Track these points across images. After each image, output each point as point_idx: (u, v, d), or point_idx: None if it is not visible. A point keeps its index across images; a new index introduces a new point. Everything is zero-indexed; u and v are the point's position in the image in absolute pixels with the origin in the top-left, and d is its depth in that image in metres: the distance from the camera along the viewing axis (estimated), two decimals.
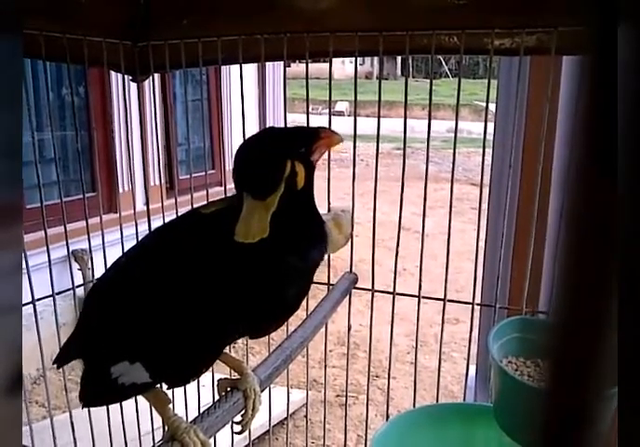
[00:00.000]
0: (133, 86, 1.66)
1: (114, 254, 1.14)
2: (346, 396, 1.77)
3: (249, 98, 4.95)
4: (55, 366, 1.09)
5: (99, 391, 0.98)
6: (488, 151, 1.49)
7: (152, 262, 0.97)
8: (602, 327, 0.25)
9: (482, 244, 1.46)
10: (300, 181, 0.92)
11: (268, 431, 1.99)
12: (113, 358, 0.92)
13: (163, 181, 3.88)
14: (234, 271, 0.89)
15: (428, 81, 1.46)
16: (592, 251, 0.24)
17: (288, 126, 1.05)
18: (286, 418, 2.36)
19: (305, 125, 1.49)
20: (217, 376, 1.26)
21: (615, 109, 0.23)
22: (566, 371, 0.26)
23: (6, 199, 0.60)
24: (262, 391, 1.10)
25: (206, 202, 1.14)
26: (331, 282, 1.58)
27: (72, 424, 1.52)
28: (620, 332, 0.26)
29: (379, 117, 1.46)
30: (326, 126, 1.48)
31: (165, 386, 0.99)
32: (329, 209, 1.43)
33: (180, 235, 0.99)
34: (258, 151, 0.95)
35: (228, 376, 1.14)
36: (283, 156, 0.92)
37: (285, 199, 0.91)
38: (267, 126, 4.71)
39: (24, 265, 1.35)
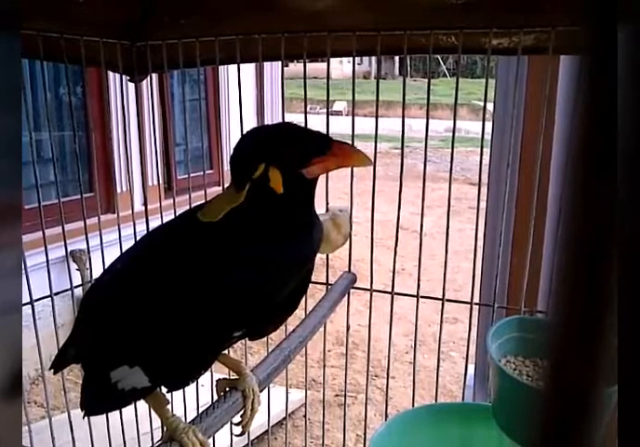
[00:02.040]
0: (131, 86, 1.66)
1: (113, 254, 1.14)
2: (345, 395, 1.77)
3: (247, 98, 4.94)
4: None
5: (99, 398, 0.98)
6: (486, 150, 1.50)
7: (147, 265, 0.97)
8: (600, 326, 0.25)
9: (480, 243, 1.46)
10: (277, 187, 0.90)
11: (267, 431, 1.99)
12: (112, 362, 0.92)
13: (161, 181, 3.87)
14: (221, 269, 0.89)
15: (426, 80, 1.47)
16: (591, 250, 0.24)
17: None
18: (284, 418, 2.36)
19: (303, 125, 1.49)
20: (215, 376, 1.26)
21: (613, 109, 0.23)
22: (565, 370, 0.26)
23: (5, 200, 0.60)
24: (261, 391, 1.10)
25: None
26: (330, 282, 1.58)
27: (70, 424, 1.52)
28: (620, 332, 0.26)
29: (377, 117, 1.46)
30: (327, 129, 1.48)
31: (164, 390, 0.98)
32: (328, 209, 1.43)
33: (175, 238, 0.99)
34: (245, 144, 0.95)
35: (227, 376, 1.14)
36: (258, 159, 0.90)
37: (257, 198, 0.91)
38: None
39: (22, 266, 1.35)
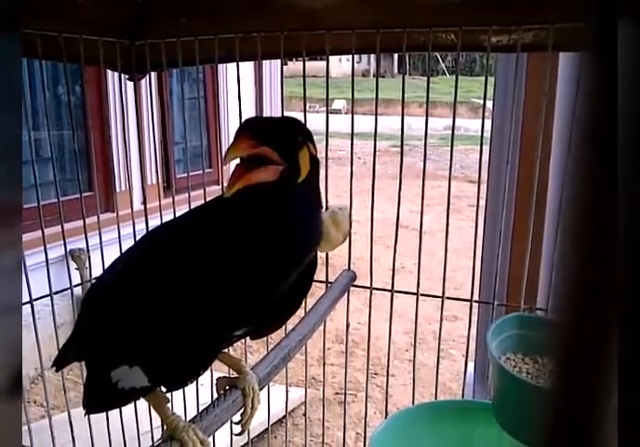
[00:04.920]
0: (130, 84, 1.66)
1: (112, 254, 1.14)
2: (345, 393, 1.77)
3: (247, 96, 4.93)
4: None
5: (100, 397, 0.99)
6: (486, 148, 1.49)
7: (147, 263, 0.97)
8: (607, 326, 0.25)
9: (480, 241, 1.46)
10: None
11: (267, 429, 1.99)
12: (112, 362, 0.92)
13: (160, 180, 3.87)
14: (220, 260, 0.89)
15: (425, 78, 1.47)
16: (595, 252, 0.24)
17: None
18: (285, 416, 2.36)
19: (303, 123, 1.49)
20: (215, 375, 1.26)
21: (615, 109, 0.23)
22: (573, 371, 0.26)
23: (5, 199, 0.60)
24: (261, 389, 1.10)
25: (203, 201, 1.14)
26: (329, 280, 1.58)
27: (70, 423, 1.52)
28: (620, 332, 0.25)
29: (376, 115, 1.46)
30: (326, 127, 1.48)
31: (164, 389, 0.99)
32: (327, 208, 1.43)
33: (174, 236, 0.99)
34: None
35: (227, 375, 1.14)
36: None
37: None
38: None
39: (22, 265, 1.35)
